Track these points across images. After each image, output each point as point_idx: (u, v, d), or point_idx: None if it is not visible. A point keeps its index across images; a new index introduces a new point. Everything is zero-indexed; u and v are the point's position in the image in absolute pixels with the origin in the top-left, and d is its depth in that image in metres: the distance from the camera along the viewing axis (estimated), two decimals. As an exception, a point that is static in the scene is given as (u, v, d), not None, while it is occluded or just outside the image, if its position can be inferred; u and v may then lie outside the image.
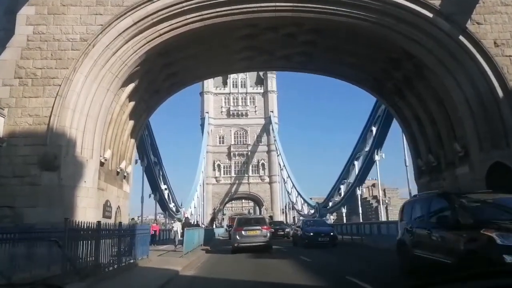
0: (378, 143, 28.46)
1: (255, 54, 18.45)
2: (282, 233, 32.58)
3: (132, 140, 18.84)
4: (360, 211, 33.40)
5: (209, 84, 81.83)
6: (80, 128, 13.57)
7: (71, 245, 6.64)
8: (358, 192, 32.64)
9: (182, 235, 16.37)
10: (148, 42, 14.72)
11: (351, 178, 35.45)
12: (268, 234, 18.35)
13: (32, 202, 12.19)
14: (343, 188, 37.98)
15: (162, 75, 17.62)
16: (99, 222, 8.73)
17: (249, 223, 19.17)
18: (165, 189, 36.28)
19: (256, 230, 18.14)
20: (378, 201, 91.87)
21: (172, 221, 20.94)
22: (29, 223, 10.84)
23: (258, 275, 9.98)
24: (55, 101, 13.22)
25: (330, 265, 12.53)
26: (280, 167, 68.71)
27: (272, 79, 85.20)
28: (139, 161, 28.12)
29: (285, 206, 74.22)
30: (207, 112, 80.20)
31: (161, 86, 18.45)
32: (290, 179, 61.94)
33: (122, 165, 17.13)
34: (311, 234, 20.64)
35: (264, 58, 18.85)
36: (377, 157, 28.25)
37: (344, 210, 37.49)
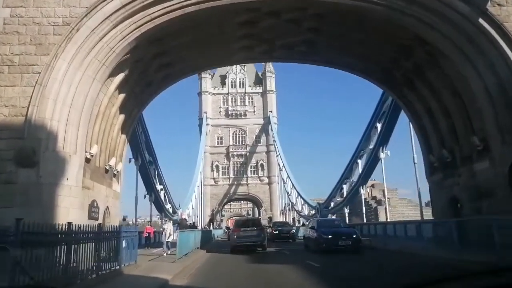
0: (383, 140, 27.20)
1: (255, 43, 17.18)
2: (287, 235, 29.55)
3: (123, 136, 17.54)
4: (364, 211, 32.11)
5: (207, 84, 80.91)
6: (63, 120, 12.26)
7: (28, 251, 5.35)
8: (362, 191, 31.36)
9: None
10: (138, 28, 13.42)
11: (354, 177, 34.16)
12: (263, 235, 19.83)
13: (7, 202, 10.86)
14: (345, 187, 36.68)
15: (154, 65, 16.34)
16: (69, 223, 7.43)
17: (246, 224, 20.74)
18: (161, 189, 34.87)
19: (253, 231, 19.63)
20: (377, 202, 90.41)
21: (163, 222, 18.96)
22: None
23: (259, 286, 8.64)
24: (34, 90, 11.91)
25: (352, 275, 9.95)
26: (280, 168, 67.46)
27: (271, 78, 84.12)
28: (133, 160, 26.82)
29: (284, 207, 73.05)
30: (205, 112, 78.96)
31: (154, 77, 17.16)
32: (290, 180, 60.66)
33: (112, 162, 15.83)
34: (330, 236, 16.47)
35: (264, 48, 17.58)
36: (382, 155, 26.99)
37: (346, 211, 36.19)
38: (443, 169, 16.60)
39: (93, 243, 8.99)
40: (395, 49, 16.07)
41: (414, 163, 22.12)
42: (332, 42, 17.05)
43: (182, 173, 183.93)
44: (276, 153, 69.42)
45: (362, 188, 31.42)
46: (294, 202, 60.91)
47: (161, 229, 17.65)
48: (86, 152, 13.32)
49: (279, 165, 67.99)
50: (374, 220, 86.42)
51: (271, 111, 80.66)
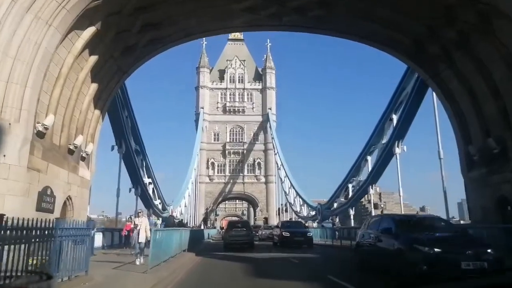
0: (400, 134, 24.10)
1: (262, 4, 14.03)
2: (302, 238, 23.00)
3: (97, 112, 14.33)
4: (373, 213, 28.91)
5: (205, 78, 78.38)
6: (3, 77, 9.11)
7: None
8: (371, 191, 28.27)
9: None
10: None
11: (362, 176, 31.03)
12: (251, 234, 23.55)
13: None
14: (351, 187, 33.55)
15: (136, 23, 13.13)
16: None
17: (237, 226, 24.64)
18: (150, 183, 31.64)
19: (242, 231, 23.01)
20: (374, 205, 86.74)
21: (134, 216, 14.68)
22: None
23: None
24: (-40, 32, 8.76)
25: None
26: (278, 166, 64.61)
27: (271, 74, 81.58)
28: (116, 148, 23.56)
29: (279, 208, 70.35)
30: (202, 108, 76.07)
31: (136, 40, 13.94)
32: (288, 179, 57.75)
33: (78, 141, 12.61)
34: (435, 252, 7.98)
35: (272, 10, 14.41)
36: (397, 150, 23.90)
37: (351, 212, 33.05)
38: (488, 162, 13.51)
39: (27, 245, 5.88)
40: (434, 13, 12.98)
41: (440, 158, 19.02)
42: (352, 4, 13.94)
43: (175, 168, 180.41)
44: (274, 151, 66.54)
45: (372, 188, 28.28)
46: (292, 202, 57.94)
47: (133, 226, 13.08)
48: (38, 123, 10.14)
49: (277, 163, 65.23)
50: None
51: (270, 108, 78.00)
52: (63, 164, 11.74)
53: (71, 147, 12.28)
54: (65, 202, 11.84)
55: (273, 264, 13.39)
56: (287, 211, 68.07)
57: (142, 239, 11.49)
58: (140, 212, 12.60)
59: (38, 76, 9.79)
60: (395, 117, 24.93)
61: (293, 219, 61.75)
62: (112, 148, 23.36)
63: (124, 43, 13.59)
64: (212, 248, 23.74)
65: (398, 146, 23.90)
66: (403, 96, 23.66)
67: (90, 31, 11.53)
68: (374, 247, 10.03)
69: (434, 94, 19.64)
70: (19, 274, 5.11)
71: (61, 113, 11.73)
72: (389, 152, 25.06)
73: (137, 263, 10.35)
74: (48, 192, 10.38)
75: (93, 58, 12.52)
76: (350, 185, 33.43)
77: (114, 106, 21.59)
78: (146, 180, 30.57)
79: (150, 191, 31.78)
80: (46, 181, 10.43)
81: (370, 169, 29.02)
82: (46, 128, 10.45)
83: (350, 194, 33.35)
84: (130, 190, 27.52)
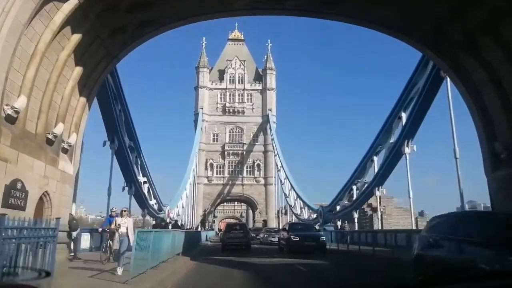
0: (409, 133, 22.69)
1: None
2: (314, 243, 19.40)
3: (82, 99, 12.90)
4: (380, 215, 27.45)
5: (205, 78, 77.18)
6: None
7: None
8: (377, 193, 26.80)
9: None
10: None
11: (368, 177, 29.56)
12: (248, 236, 24.37)
13: None
14: (355, 189, 32.07)
15: (125, 1, 11.75)
16: None
17: (235, 228, 25.47)
18: (145, 182, 30.12)
19: (240, 233, 23.93)
20: (373, 209, 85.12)
21: (113, 211, 12.38)
22: None
23: None
24: None
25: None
26: (277, 168, 63.25)
27: (272, 75, 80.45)
28: (108, 143, 22.08)
29: (278, 211, 69.02)
30: (201, 108, 74.87)
31: (126, 22, 12.55)
32: (288, 180, 56.28)
33: (58, 130, 11.17)
34: None
35: (277, -10, 13.03)
36: (407, 150, 22.46)
37: (356, 215, 31.57)
38: (517, 161, 12.09)
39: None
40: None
41: (456, 158, 17.60)
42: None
43: (173, 172, 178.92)
44: (274, 152, 65.16)
45: (378, 190, 26.81)
46: (293, 205, 56.43)
47: (113, 227, 10.31)
48: (6, 105, 8.70)
49: (277, 165, 63.86)
50: (369, 227, 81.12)
51: (270, 109, 76.76)
52: (39, 155, 10.30)
53: (50, 136, 10.85)
54: (41, 199, 10.40)
55: (277, 273, 11.74)
56: (286, 214, 66.71)
57: (126, 245, 9.20)
58: (124, 211, 10.10)
59: (6, 50, 8.37)
60: (404, 115, 23.51)
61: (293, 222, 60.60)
62: (104, 144, 21.89)
63: (112, 24, 12.18)
64: (209, 251, 22.28)
65: (407, 146, 22.48)
66: (413, 92, 22.26)
67: (71, 3, 10.11)
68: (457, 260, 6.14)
69: (449, 88, 18.29)
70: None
71: (38, 97, 10.30)
72: (397, 152, 23.65)
73: (119, 272, 8.65)
74: (18, 186, 8.94)
75: (76, 37, 11.10)
76: (354, 187, 31.97)
77: (106, 98, 20.19)
78: (141, 179, 29.05)
79: (145, 191, 30.26)
80: (16, 173, 8.99)
81: (376, 170, 27.56)
82: (17, 112, 9.02)
83: (355, 196, 31.87)
84: (123, 189, 26.06)
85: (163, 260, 11.22)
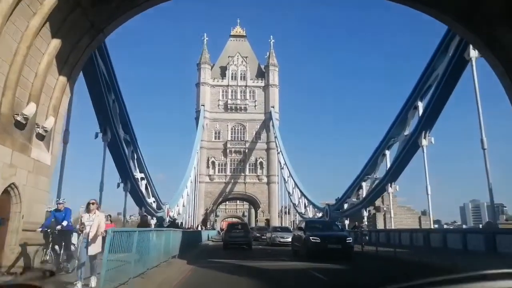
0: (427, 123, 20.87)
1: None
2: (339, 246, 15.83)
3: (62, 79, 11.16)
4: (392, 214, 25.65)
5: (206, 74, 75.91)
6: None
7: None
8: (390, 189, 24.97)
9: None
10: None
11: (379, 173, 27.74)
12: (249, 236, 25.11)
13: None
14: (365, 186, 30.25)
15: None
16: None
17: (236, 227, 26.48)
18: (142, 178, 28.38)
19: (241, 233, 24.70)
20: (376, 208, 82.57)
21: (60, 203, 10.63)
22: None
23: None
24: None
25: None
26: (281, 166, 61.71)
27: (274, 72, 79.10)
28: (100, 136, 20.37)
29: (281, 210, 67.57)
30: (203, 105, 73.53)
31: (112, -13, 10.84)
32: (292, 178, 54.67)
33: (29, 111, 9.42)
34: None
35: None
36: (424, 142, 20.67)
37: (365, 214, 29.76)
38: None
39: None
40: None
41: (483, 149, 15.79)
42: None
43: (176, 172, 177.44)
44: (277, 150, 63.61)
45: (391, 186, 24.98)
46: (297, 203, 54.74)
47: (79, 227, 7.60)
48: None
49: (280, 163, 62.28)
50: (372, 227, 78.91)
51: (273, 106, 75.39)
52: (4, 140, 8.58)
53: (19, 118, 9.12)
54: (7, 192, 8.67)
55: (289, 280, 9.86)
56: (289, 213, 65.11)
57: (94, 249, 6.97)
58: (92, 203, 7.56)
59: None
60: (421, 105, 21.70)
61: (297, 222, 58.69)
62: (96, 136, 20.18)
63: (96, -12, 10.45)
64: (210, 252, 20.55)
65: (425, 138, 20.68)
66: (432, 79, 20.46)
67: (41, -43, 8.40)
68: None
69: (474, 72, 16.51)
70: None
71: (2, 70, 8.58)
72: (413, 145, 21.83)
73: (92, 284, 6.70)
74: (-28, 175, 7.22)
75: (51, 2, 9.36)
76: (364, 184, 30.15)
77: (97, 86, 18.49)
78: (138, 175, 27.33)
79: (143, 188, 28.54)
80: (-31, 160, 7.26)
81: (389, 165, 25.71)
82: (-30, 84, 7.30)
83: (364, 193, 30.05)
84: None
85: (153, 265, 9.46)
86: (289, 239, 26.61)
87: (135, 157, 26.37)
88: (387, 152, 26.19)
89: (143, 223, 13.21)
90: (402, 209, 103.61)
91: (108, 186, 22.43)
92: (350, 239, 16.40)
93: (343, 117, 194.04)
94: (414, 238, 17.58)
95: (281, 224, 60.50)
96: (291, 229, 33.59)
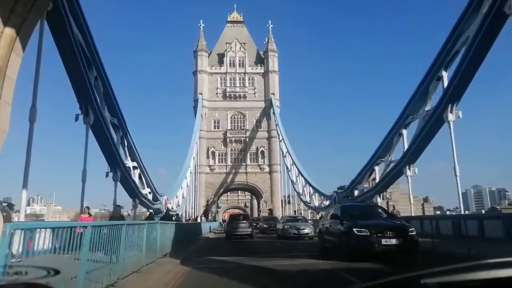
0: (454, 96, 18.25)
1: None
2: (397, 242, 10.97)
3: (9, 31, 8.51)
4: (412, 200, 23.13)
5: (203, 62, 73.83)
6: None
7: None
8: (408, 173, 22.45)
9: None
10: None
11: (395, 155, 25.18)
12: (251, 227, 26.48)
13: None
14: (378, 170, 27.76)
15: None
16: None
17: (239, 219, 27.55)
18: (134, 167, 25.81)
19: (242, 224, 25.97)
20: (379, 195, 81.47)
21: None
22: None
23: None
24: None
25: None
26: (283, 154, 59.60)
27: (274, 58, 76.87)
28: (81, 118, 17.74)
29: (282, 199, 65.79)
30: (201, 94, 71.50)
31: None
32: (296, 166, 52.41)
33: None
34: None
35: None
36: (450, 117, 18.11)
37: (379, 200, 27.31)
38: None
39: None
40: None
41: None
42: None
43: (177, 165, 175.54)
44: (279, 138, 61.46)
45: (409, 169, 22.44)
46: (301, 192, 52.47)
47: None
48: None
49: (282, 151, 60.14)
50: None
51: (273, 93, 73.17)
52: None
53: None
54: None
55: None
56: (289, 203, 63.18)
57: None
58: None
59: None
60: (445, 74, 19.08)
61: (301, 211, 56.33)
62: (77, 118, 17.55)
63: None
64: (210, 247, 18.12)
65: (451, 112, 18.12)
66: (458, 44, 17.83)
67: None
68: None
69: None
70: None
71: None
72: (437, 121, 19.24)
73: None
74: None
75: None
76: (376, 168, 27.64)
77: (74, 59, 15.89)
78: (129, 163, 24.79)
79: (136, 178, 26.04)
80: None
81: (407, 146, 23.13)
82: None
83: (377, 178, 27.55)
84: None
85: (130, 271, 6.96)
86: (306, 231, 24.39)
87: (126, 144, 23.79)
88: (404, 132, 23.62)
89: (116, 216, 10.81)
90: (405, 196, 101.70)
91: (97, 176, 19.85)
92: (413, 231, 11.52)
93: (353, 99, 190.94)
94: (460, 225, 13.82)
95: (283, 213, 58.37)
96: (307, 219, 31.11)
